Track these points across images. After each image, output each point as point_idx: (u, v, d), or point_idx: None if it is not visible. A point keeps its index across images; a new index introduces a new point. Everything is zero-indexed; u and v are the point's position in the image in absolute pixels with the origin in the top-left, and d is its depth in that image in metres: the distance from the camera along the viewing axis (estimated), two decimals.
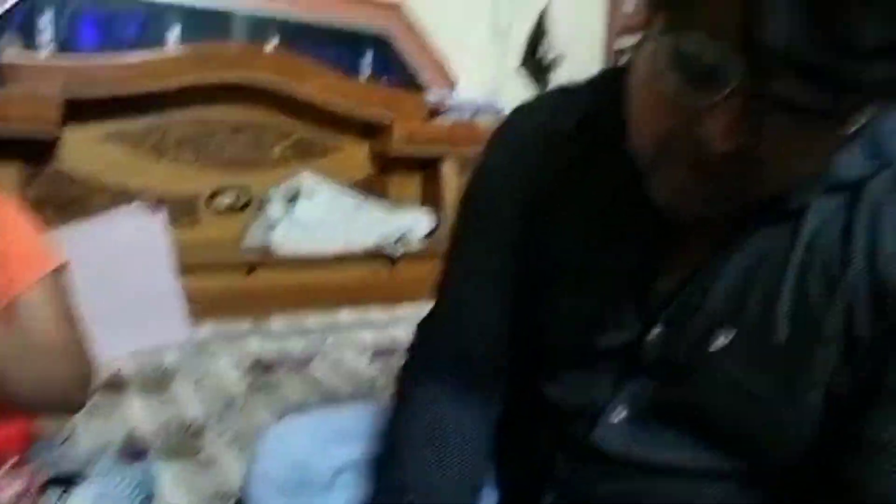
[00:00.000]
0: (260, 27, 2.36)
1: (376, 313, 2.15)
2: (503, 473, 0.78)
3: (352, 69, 2.54)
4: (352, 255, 2.20)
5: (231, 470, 1.22)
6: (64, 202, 1.93)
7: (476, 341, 0.71)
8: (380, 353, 1.85)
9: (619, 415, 0.63)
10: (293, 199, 2.19)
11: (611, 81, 0.60)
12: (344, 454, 0.74)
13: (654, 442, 0.62)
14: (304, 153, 2.35)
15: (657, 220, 0.58)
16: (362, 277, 2.25)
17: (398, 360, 1.42)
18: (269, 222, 2.17)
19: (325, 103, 2.23)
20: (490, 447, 0.73)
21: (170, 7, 2.18)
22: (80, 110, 1.86)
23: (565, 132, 0.65)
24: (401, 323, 2.05)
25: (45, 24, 2.03)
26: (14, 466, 0.80)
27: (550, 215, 0.66)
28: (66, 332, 0.87)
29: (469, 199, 0.72)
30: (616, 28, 2.96)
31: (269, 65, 2.15)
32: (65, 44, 2.06)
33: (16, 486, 0.77)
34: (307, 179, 2.20)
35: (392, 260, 2.26)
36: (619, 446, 0.63)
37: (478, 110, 2.56)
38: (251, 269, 2.07)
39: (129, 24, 2.22)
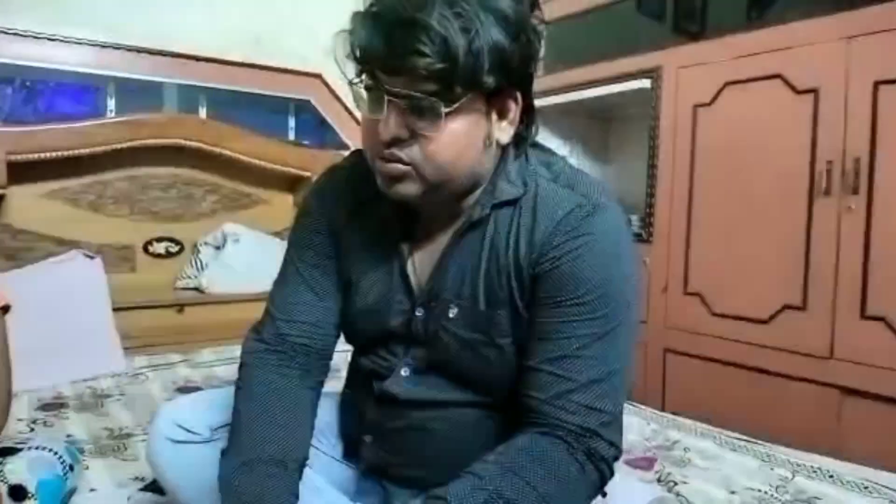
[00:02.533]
0: (191, 96, 2.65)
1: None
2: (342, 427, 1.09)
3: (279, 131, 2.84)
4: None
5: None
6: (10, 251, 2.16)
7: (296, 329, 0.97)
8: None
9: (405, 371, 0.95)
10: (220, 245, 2.45)
11: None
12: (218, 417, 0.99)
13: (427, 386, 0.94)
14: (232, 206, 2.63)
15: (409, 237, 0.93)
16: None
17: None
18: (199, 267, 2.41)
19: (248, 161, 2.52)
20: (313, 407, 0.98)
21: (106, 79, 2.45)
22: (23, 171, 2.11)
23: (352, 184, 0.98)
24: None
25: None
26: None
27: (347, 241, 0.98)
28: None
29: (297, 234, 1.03)
30: None
31: (197, 129, 2.43)
32: (11, 114, 2.32)
33: None
34: (233, 228, 2.46)
35: None
36: (405, 392, 0.94)
37: None
38: (181, 308, 2.30)
39: (70, 95, 2.49)
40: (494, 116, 0.82)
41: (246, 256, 2.42)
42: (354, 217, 0.97)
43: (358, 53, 0.77)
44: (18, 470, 1.00)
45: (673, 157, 2.43)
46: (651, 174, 2.51)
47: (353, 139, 2.78)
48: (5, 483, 0.99)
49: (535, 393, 0.82)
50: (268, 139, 2.63)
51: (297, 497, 0.87)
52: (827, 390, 2.00)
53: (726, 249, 2.26)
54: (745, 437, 1.50)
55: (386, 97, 0.76)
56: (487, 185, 0.88)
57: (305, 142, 2.91)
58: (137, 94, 2.51)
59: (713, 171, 2.31)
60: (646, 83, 2.52)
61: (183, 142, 2.39)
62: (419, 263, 0.93)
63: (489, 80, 0.76)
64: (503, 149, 0.87)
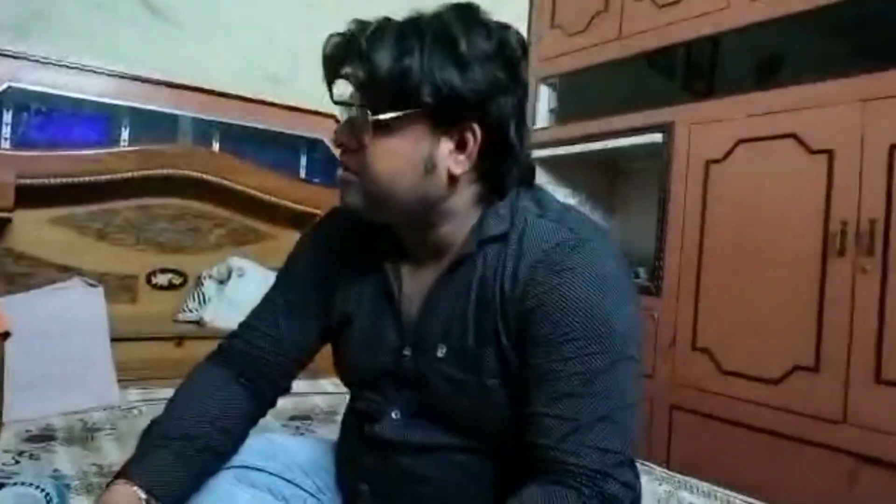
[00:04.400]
0: (205, 129, 2.65)
1: (297, 383, 2.32)
2: (339, 479, 1.06)
3: (290, 169, 2.84)
4: None
5: None
6: (11, 276, 2.12)
7: (254, 346, 1.01)
8: (296, 416, 2.02)
9: (395, 414, 0.92)
10: (225, 279, 2.41)
11: None
12: None
13: (418, 430, 0.91)
14: (239, 240, 2.60)
15: (399, 275, 0.93)
16: None
17: (312, 426, 1.65)
18: (201, 300, 2.38)
19: (258, 196, 2.51)
20: (243, 406, 1.00)
21: (122, 109, 2.46)
22: (31, 195, 2.09)
23: (351, 225, 0.99)
24: (319, 393, 2.23)
25: (6, 121, 2.28)
26: None
27: (341, 279, 0.99)
28: None
29: (287, 262, 1.06)
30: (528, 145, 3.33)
31: (207, 162, 2.43)
32: (23, 139, 2.31)
33: None
34: (238, 262, 2.44)
35: None
36: (396, 436, 0.92)
37: None
38: (180, 341, 2.26)
39: (85, 123, 2.50)
40: (448, 145, 0.83)
41: (250, 291, 2.38)
42: (350, 256, 0.98)
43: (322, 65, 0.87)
44: None
45: (683, 211, 2.43)
46: (661, 227, 2.50)
47: None
48: None
49: (540, 439, 0.78)
50: (279, 175, 2.62)
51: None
52: (840, 456, 1.94)
53: (736, 306, 2.23)
54: (752, 501, 1.45)
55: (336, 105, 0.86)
56: (475, 222, 0.88)
57: (316, 180, 2.91)
58: (152, 125, 2.51)
59: (724, 227, 2.30)
60: (657, 137, 2.53)
61: (194, 174, 2.38)
62: (409, 301, 0.92)
63: (426, 100, 0.80)
64: (487, 186, 0.88)
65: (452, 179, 0.85)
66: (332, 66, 0.85)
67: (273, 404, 1.06)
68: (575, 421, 0.76)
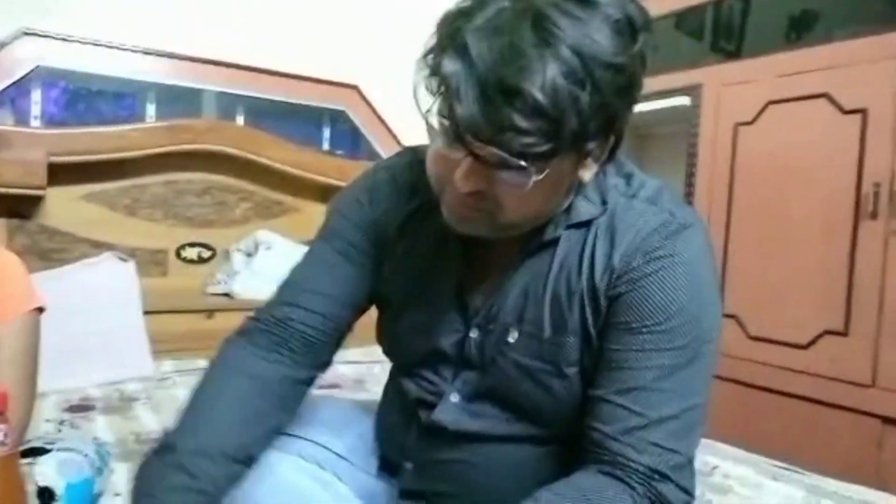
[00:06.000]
0: (229, 104, 2.67)
1: None
2: (379, 445, 1.01)
3: (314, 141, 2.85)
4: None
5: None
6: (46, 251, 2.18)
7: (300, 315, 0.90)
8: (323, 386, 2.06)
9: (454, 398, 0.88)
10: (252, 252, 2.45)
11: None
12: None
13: (478, 416, 0.87)
14: (265, 213, 2.63)
15: (466, 254, 0.85)
16: None
17: (340, 392, 1.66)
18: (230, 272, 2.42)
19: (283, 170, 2.53)
20: (291, 401, 0.91)
21: (147, 85, 2.48)
22: (62, 173, 2.14)
23: (408, 187, 0.91)
24: (345, 363, 2.26)
25: (36, 100, 2.32)
26: None
27: (395, 250, 0.91)
28: (21, 368, 1.01)
29: (331, 214, 0.96)
30: None
31: (233, 137, 2.44)
32: (52, 117, 2.35)
33: None
34: (265, 235, 2.46)
35: None
36: (453, 421, 0.87)
37: None
38: (211, 313, 2.30)
39: (111, 99, 2.53)
40: (584, 159, 0.74)
41: (277, 264, 2.39)
42: (407, 224, 0.90)
43: (447, 112, 0.66)
44: (48, 472, 1.00)
45: (711, 175, 2.39)
46: (688, 192, 2.46)
47: (387, 150, 2.77)
48: (35, 484, 0.98)
49: (602, 426, 0.75)
50: (303, 148, 2.63)
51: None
52: (868, 420, 1.93)
53: (765, 271, 2.20)
54: (786, 466, 1.44)
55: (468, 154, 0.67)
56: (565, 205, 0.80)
57: (339, 152, 2.91)
58: (177, 100, 2.53)
59: (753, 191, 2.26)
60: (685, 101, 2.49)
61: (220, 148, 2.40)
62: (477, 281, 0.86)
63: (592, 145, 0.70)
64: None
65: (581, 183, 0.78)
66: (487, 129, 0.64)
67: (319, 374, 0.95)
68: (643, 416, 0.73)
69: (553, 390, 0.81)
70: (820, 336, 2.04)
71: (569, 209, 0.80)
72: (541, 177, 0.67)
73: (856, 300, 1.96)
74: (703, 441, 1.62)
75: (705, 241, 0.79)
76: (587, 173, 0.76)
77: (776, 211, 2.18)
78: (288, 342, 0.89)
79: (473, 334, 0.85)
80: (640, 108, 2.49)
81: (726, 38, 2.62)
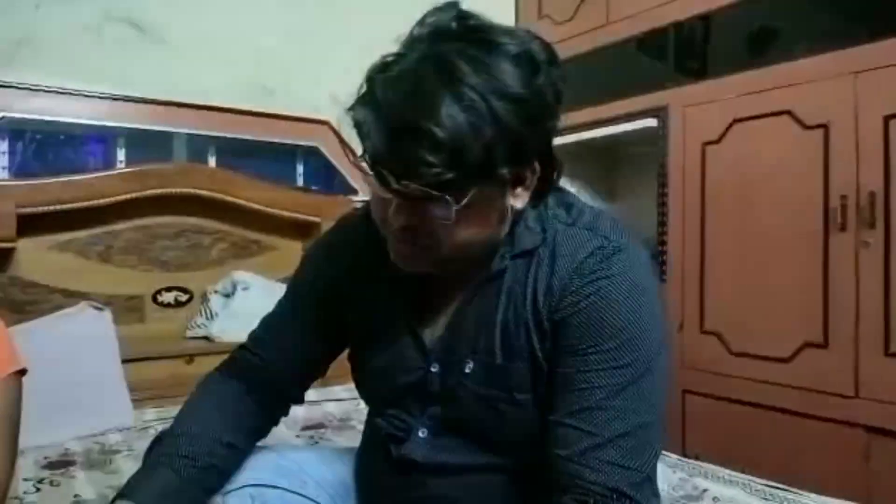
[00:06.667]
0: (200, 145, 2.66)
1: (308, 391, 2.33)
2: (359, 494, 1.04)
3: (288, 178, 2.85)
4: None
5: None
6: (19, 304, 2.14)
7: (267, 362, 1.00)
8: (309, 426, 2.03)
9: (422, 434, 0.90)
10: (230, 294, 2.42)
11: None
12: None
13: (446, 450, 0.89)
14: (241, 253, 2.61)
15: (421, 293, 0.89)
16: None
17: (326, 434, 1.65)
18: (209, 315, 2.39)
19: (257, 209, 2.51)
20: (254, 422, 1.00)
21: (117, 130, 2.46)
22: (32, 223, 2.10)
23: (364, 237, 0.94)
24: (331, 401, 2.24)
25: (3, 151, 2.29)
26: None
27: (353, 296, 0.96)
28: (0, 436, 0.96)
29: (295, 275, 1.04)
30: None
31: (205, 179, 2.43)
32: (22, 167, 2.32)
33: None
34: (242, 276, 2.44)
35: None
36: (423, 456, 0.89)
37: None
38: (191, 358, 2.27)
39: (80, 146, 2.51)
40: (513, 188, 0.79)
41: (256, 304, 2.38)
42: (362, 271, 0.94)
43: (363, 150, 0.73)
44: None
45: (683, 195, 2.42)
46: (661, 212, 2.50)
47: (362, 184, 2.77)
48: None
49: (559, 450, 0.77)
50: (276, 186, 2.63)
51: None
52: (853, 430, 1.94)
53: (742, 287, 2.23)
54: (775, 485, 1.45)
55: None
56: (505, 235, 0.84)
57: (314, 187, 2.91)
58: (147, 145, 2.52)
59: (725, 209, 2.30)
60: (652, 122, 2.53)
61: (191, 191, 2.38)
62: (432, 318, 0.90)
63: (504, 171, 0.73)
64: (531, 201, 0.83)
65: (514, 212, 0.81)
66: (398, 165, 0.70)
67: (283, 416, 1.05)
68: (596, 435, 0.75)
69: (507, 416, 0.84)
70: (801, 349, 2.06)
71: (512, 240, 0.84)
72: (460, 206, 0.71)
73: (833, 312, 1.98)
74: (692, 463, 1.63)
75: (642, 261, 0.82)
76: (518, 201, 0.80)
77: (749, 228, 2.21)
78: (254, 385, 0.99)
79: (434, 369, 0.88)
80: (609, 130, 2.51)
81: (689, 59, 2.68)
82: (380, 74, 0.72)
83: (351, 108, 0.74)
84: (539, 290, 0.82)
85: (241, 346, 1.04)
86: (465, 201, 0.72)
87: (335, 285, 0.97)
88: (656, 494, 0.77)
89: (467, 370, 0.85)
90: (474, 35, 0.72)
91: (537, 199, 0.84)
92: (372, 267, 0.93)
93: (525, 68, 0.72)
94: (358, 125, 0.72)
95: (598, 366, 0.76)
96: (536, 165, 0.79)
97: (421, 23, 0.75)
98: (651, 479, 0.76)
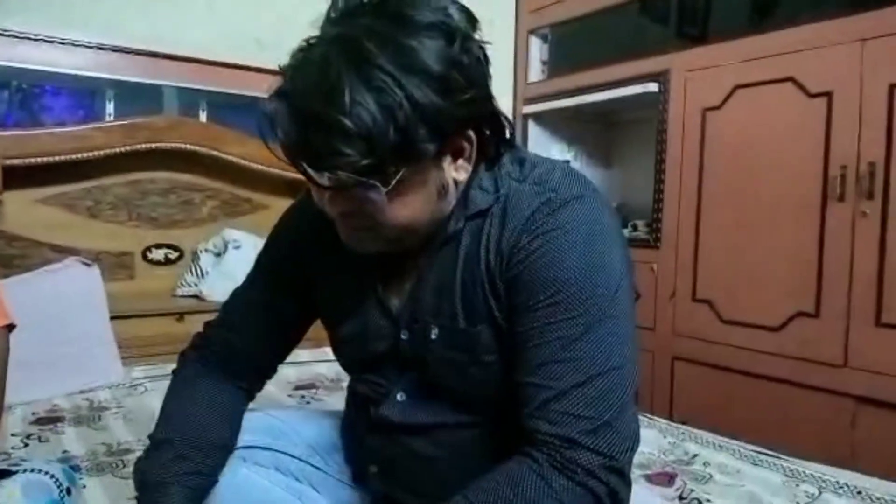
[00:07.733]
0: (191, 99, 2.60)
1: (299, 352, 2.32)
2: (347, 453, 1.06)
3: None
4: None
5: None
6: (5, 258, 2.11)
7: (241, 343, 0.99)
8: (300, 386, 2.03)
9: (400, 396, 0.91)
10: (221, 252, 2.40)
11: None
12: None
13: (423, 410, 0.90)
14: (232, 211, 2.58)
15: (384, 261, 0.89)
16: None
17: (318, 395, 1.65)
18: (199, 274, 2.36)
19: (248, 166, 2.47)
20: (239, 411, 1.00)
21: (105, 82, 2.40)
22: (18, 176, 2.06)
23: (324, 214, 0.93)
24: (322, 361, 2.24)
25: None
26: None
27: (320, 270, 0.96)
28: None
29: (260, 254, 1.03)
30: (522, 97, 3.24)
31: (195, 134, 2.38)
32: (7, 118, 2.27)
33: None
34: (233, 234, 2.41)
35: None
36: (401, 416, 0.91)
37: None
38: (181, 316, 2.25)
39: (69, 98, 2.44)
40: (448, 160, 0.77)
41: (247, 263, 2.35)
42: (328, 241, 0.91)
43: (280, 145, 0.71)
44: (14, 495, 0.96)
45: (681, 161, 2.40)
46: (658, 178, 2.47)
47: None
48: None
49: (522, 408, 0.76)
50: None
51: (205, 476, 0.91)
52: (841, 399, 1.96)
53: (736, 255, 2.22)
54: (764, 451, 1.46)
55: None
56: (460, 196, 0.83)
57: None
58: (137, 97, 2.46)
59: (723, 176, 2.28)
60: (652, 87, 2.49)
61: (182, 146, 2.34)
62: (396, 286, 0.90)
63: (429, 147, 0.72)
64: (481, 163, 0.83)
65: (457, 183, 0.81)
66: (312, 158, 0.69)
67: (261, 388, 1.05)
68: (551, 388, 0.74)
69: (477, 378, 0.84)
70: (792, 318, 2.07)
71: (465, 202, 0.83)
72: (390, 188, 0.71)
73: (826, 282, 1.98)
74: (682, 429, 1.64)
75: (593, 209, 0.80)
76: (461, 173, 0.79)
77: (746, 195, 2.20)
78: (229, 366, 0.98)
79: (404, 336, 0.88)
80: (607, 95, 2.48)
81: (691, 24, 2.63)
82: (291, 62, 0.72)
83: (265, 101, 0.72)
84: (491, 250, 0.81)
85: (213, 324, 1.03)
86: (393, 183, 0.71)
87: (301, 256, 0.96)
88: (624, 439, 0.74)
89: (433, 336, 0.85)
90: (383, 9, 0.70)
91: (491, 162, 0.83)
92: (334, 240, 0.90)
93: (439, 39, 0.70)
94: (270, 119, 0.70)
95: (549, 319, 0.76)
96: (471, 134, 0.77)
97: (333, 1, 0.73)
98: (612, 426, 0.73)
